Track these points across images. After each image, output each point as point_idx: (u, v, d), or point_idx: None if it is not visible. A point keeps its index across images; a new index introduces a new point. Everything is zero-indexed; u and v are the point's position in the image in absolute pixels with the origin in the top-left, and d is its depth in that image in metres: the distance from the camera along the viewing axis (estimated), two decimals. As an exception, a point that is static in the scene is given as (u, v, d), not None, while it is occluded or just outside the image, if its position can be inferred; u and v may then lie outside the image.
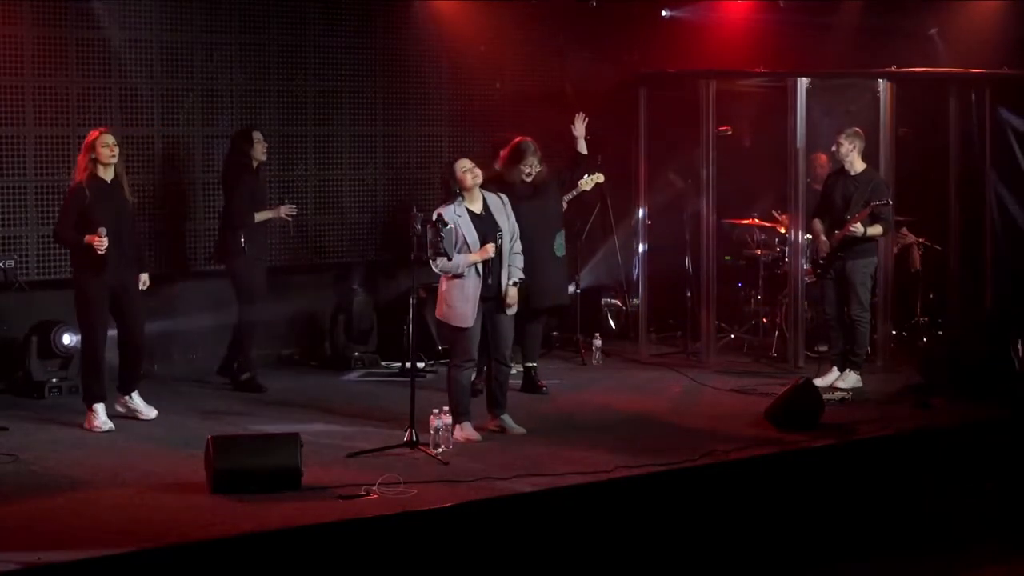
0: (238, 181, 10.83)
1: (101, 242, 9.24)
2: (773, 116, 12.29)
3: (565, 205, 11.14)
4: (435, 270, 9.08)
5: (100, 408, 9.47)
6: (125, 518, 7.29)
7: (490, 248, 9.10)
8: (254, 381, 10.88)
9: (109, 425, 9.42)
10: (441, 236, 8.88)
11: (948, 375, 10.67)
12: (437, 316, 9.34)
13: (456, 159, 9.35)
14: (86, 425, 9.43)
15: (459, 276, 9.07)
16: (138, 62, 11.30)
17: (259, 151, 10.94)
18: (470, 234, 9.09)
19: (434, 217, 9.01)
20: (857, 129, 10.99)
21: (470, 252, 9.06)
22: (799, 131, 11.78)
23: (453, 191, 9.19)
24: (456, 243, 9.02)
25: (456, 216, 9.10)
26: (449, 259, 8.93)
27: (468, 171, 9.20)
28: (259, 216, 10.88)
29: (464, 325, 9.11)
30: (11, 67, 10.73)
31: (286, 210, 11.15)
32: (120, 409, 9.68)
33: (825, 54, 13.16)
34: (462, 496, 7.71)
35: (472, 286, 9.10)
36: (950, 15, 13.43)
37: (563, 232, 10.74)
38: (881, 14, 13.32)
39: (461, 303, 9.10)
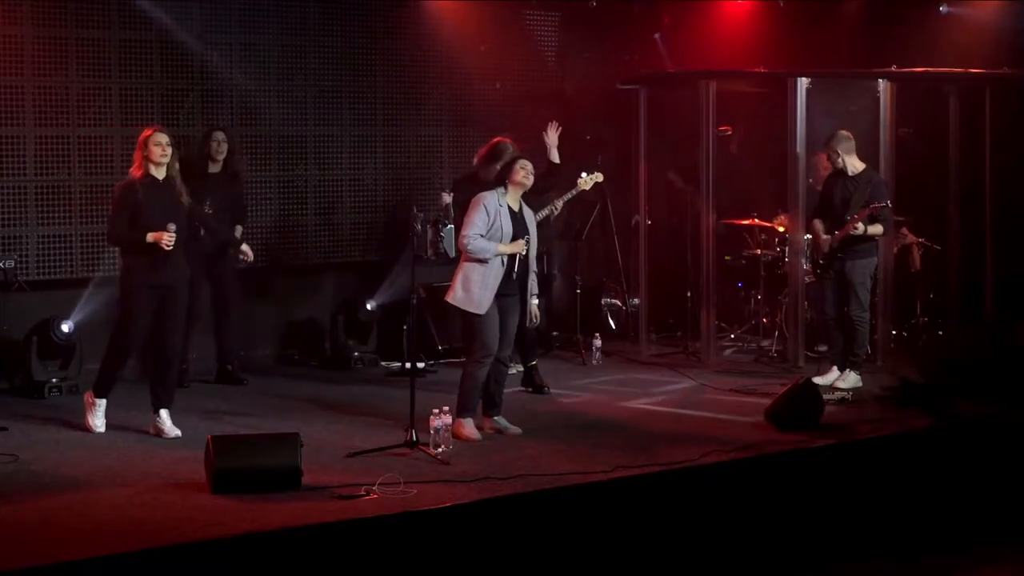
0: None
1: (170, 238, 8.99)
2: (773, 116, 12.28)
3: (561, 204, 11.13)
4: (467, 248, 9.03)
5: (101, 404, 9.35)
6: (125, 518, 7.29)
7: (521, 243, 9.15)
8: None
9: (100, 428, 9.34)
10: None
11: (948, 375, 10.66)
12: (449, 301, 9.20)
13: (516, 153, 9.48)
14: (83, 419, 9.35)
15: (484, 261, 9.07)
16: (138, 62, 11.31)
17: (213, 150, 10.95)
18: (507, 226, 9.12)
19: (481, 203, 9.04)
20: (841, 132, 10.97)
21: (501, 242, 9.10)
22: (799, 131, 11.77)
23: (501, 179, 9.23)
24: (491, 230, 9.05)
25: (498, 205, 9.12)
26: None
27: (525, 169, 9.25)
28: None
29: (478, 312, 9.07)
30: (11, 67, 10.74)
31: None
32: (152, 431, 9.31)
33: (826, 53, 13.14)
34: (462, 496, 7.70)
35: (494, 276, 9.09)
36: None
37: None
38: (884, 10, 13.30)
39: (480, 289, 9.07)
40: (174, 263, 9.16)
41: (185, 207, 9.28)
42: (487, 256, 9.06)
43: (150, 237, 9.00)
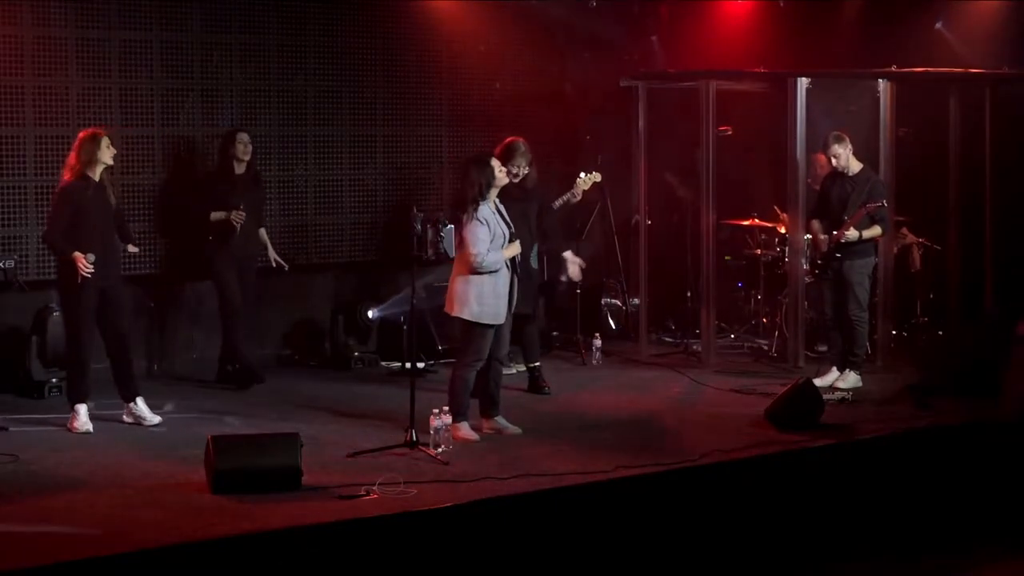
0: (203, 183, 11.06)
1: (87, 268, 9.20)
2: (773, 116, 12.28)
3: (560, 204, 11.10)
4: (479, 266, 8.92)
5: (82, 409, 9.41)
6: (125, 518, 7.30)
7: (517, 244, 9.15)
8: (244, 372, 10.95)
9: (88, 427, 9.36)
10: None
11: (948, 375, 10.67)
12: (458, 315, 9.10)
13: (484, 156, 9.33)
14: (69, 426, 9.40)
15: (494, 272, 9.04)
16: (138, 62, 11.31)
17: (240, 151, 10.94)
18: (504, 229, 9.10)
19: (475, 218, 8.93)
20: (838, 133, 10.97)
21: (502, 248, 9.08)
22: (799, 131, 11.77)
23: (480, 190, 9.06)
24: (493, 239, 9.00)
25: (491, 213, 9.08)
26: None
27: (503, 170, 9.25)
28: (213, 216, 10.81)
29: (499, 322, 9.09)
30: (11, 67, 10.73)
31: (236, 216, 10.86)
32: (127, 419, 9.58)
33: (826, 54, 13.15)
34: (462, 496, 7.71)
35: (503, 282, 9.08)
36: (954, 12, 13.42)
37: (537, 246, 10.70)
38: (883, 11, 13.31)
39: (494, 300, 9.05)
40: (107, 264, 9.37)
41: (113, 208, 9.55)
42: (499, 267, 9.04)
43: (72, 256, 9.23)
